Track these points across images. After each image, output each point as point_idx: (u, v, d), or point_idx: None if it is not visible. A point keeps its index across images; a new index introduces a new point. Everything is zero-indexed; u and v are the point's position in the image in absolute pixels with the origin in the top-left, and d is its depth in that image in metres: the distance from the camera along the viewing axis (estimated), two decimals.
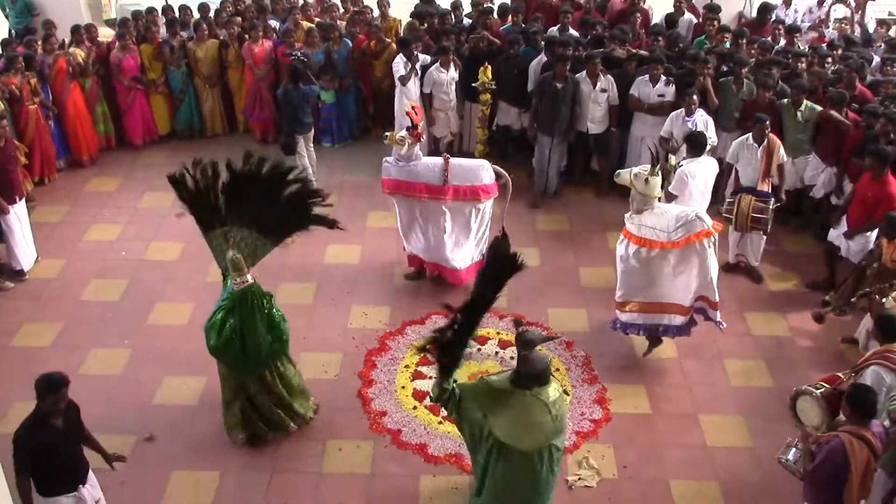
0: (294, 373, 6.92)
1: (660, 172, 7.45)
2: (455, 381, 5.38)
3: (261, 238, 6.64)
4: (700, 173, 8.46)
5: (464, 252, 8.63)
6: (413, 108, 8.58)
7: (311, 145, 10.60)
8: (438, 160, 8.49)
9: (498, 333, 8.14)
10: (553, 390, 5.29)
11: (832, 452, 5.05)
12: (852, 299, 7.43)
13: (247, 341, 6.34)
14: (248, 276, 6.30)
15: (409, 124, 8.39)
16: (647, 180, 7.37)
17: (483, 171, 8.45)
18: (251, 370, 6.59)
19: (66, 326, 8.20)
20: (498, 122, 11.28)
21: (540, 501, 5.57)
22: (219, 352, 6.46)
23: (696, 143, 8.53)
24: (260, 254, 6.68)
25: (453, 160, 8.50)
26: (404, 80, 10.51)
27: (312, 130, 10.57)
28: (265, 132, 11.87)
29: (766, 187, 8.69)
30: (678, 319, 7.58)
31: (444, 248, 8.56)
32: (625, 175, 7.65)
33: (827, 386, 6.06)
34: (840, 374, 6.36)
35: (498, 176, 8.51)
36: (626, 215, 7.63)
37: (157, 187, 10.72)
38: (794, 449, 5.62)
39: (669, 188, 8.13)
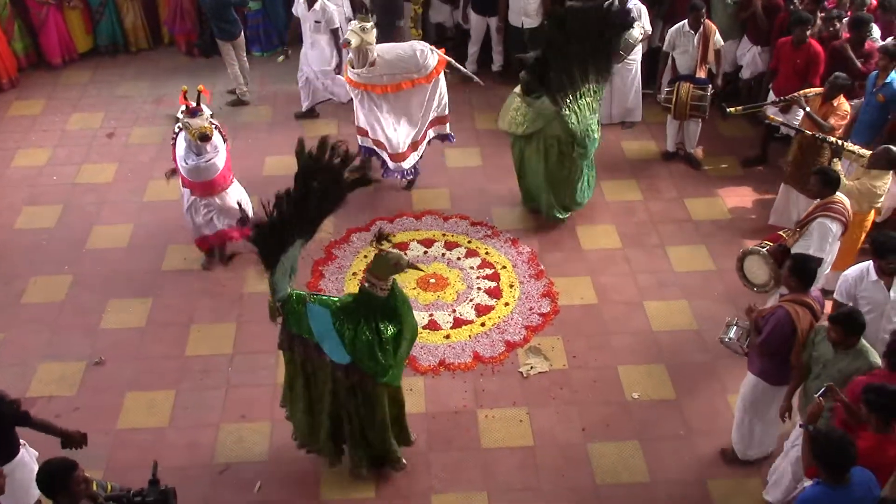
0: None
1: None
2: None
3: (303, 241, 5.43)
4: None
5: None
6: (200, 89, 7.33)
7: (244, 54, 10.22)
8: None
9: (444, 235, 8.16)
10: None
11: (779, 323, 5.24)
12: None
13: (402, 342, 5.46)
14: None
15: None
16: (372, 26, 7.85)
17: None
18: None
19: (2, 257, 7.99)
20: (430, 20, 11.02)
21: None
22: (391, 367, 5.46)
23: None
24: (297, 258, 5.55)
25: None
26: None
27: (241, 38, 10.16)
28: (189, 44, 11.43)
29: (703, 74, 8.70)
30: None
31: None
32: (352, 36, 7.79)
33: (771, 244, 6.29)
34: (781, 234, 6.55)
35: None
36: (357, 71, 8.01)
37: (83, 107, 10.36)
38: (734, 328, 5.79)
39: None
